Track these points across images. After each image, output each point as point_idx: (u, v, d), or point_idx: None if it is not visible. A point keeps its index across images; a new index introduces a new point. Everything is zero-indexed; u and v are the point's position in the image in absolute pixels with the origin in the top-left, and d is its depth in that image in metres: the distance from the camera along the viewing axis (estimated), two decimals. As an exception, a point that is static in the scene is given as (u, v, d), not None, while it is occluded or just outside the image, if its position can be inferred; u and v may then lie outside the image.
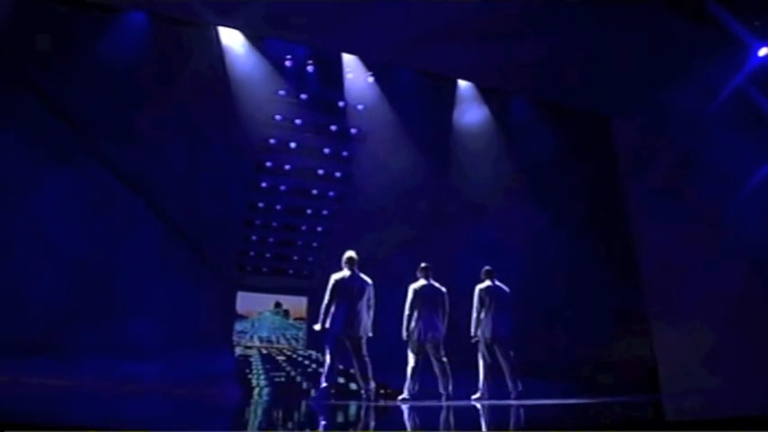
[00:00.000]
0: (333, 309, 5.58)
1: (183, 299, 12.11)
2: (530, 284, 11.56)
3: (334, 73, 10.82)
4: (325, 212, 13.05)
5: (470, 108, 11.15)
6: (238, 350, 12.47)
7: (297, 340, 13.70)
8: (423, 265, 6.39)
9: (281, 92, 10.85)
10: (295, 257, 13.58)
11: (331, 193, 12.72)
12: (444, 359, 5.97)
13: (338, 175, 12.41)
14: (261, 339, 13.41)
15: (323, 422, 4.97)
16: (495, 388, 6.34)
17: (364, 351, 5.60)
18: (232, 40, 9.82)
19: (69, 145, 10.05)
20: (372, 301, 5.80)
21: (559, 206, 11.27)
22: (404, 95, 11.00)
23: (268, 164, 11.90)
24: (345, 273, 5.84)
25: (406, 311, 6.02)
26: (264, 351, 12.65)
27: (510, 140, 11.26)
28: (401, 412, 5.47)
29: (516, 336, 11.15)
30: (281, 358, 11.95)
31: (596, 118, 10.49)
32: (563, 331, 10.71)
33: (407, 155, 11.77)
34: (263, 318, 13.60)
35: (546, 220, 11.48)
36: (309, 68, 10.67)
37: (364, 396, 5.56)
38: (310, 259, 13.60)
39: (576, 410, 5.97)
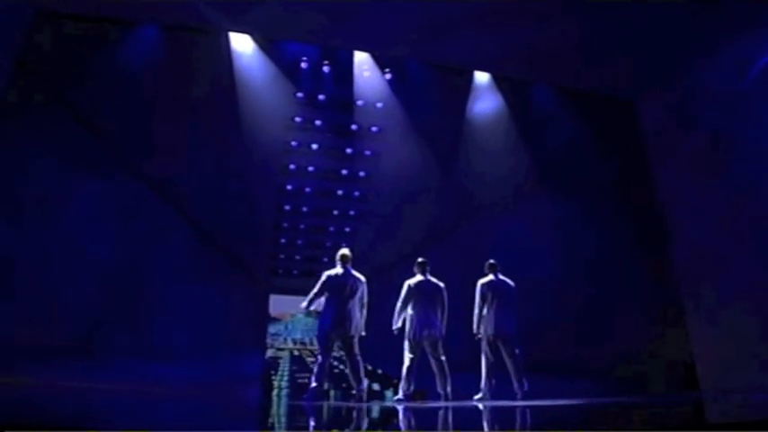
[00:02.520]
0: (323, 305, 5.54)
1: (216, 303, 12.34)
2: (559, 279, 11.15)
3: (351, 72, 10.81)
4: (351, 213, 13.00)
5: (490, 100, 10.88)
6: (270, 352, 12.60)
7: (330, 341, 13.68)
8: (420, 260, 6.22)
9: (299, 94, 10.90)
10: (325, 259, 13.53)
11: (356, 193, 12.66)
12: (443, 358, 5.76)
13: (362, 174, 12.33)
14: (294, 341, 13.50)
15: (312, 423, 4.89)
16: (502, 387, 6.08)
17: (356, 350, 5.49)
18: (245, 45, 9.97)
19: (99, 157, 10.42)
20: (366, 300, 5.69)
21: (588, 196, 10.81)
22: (422, 90, 10.85)
23: (291, 166, 11.97)
24: (338, 270, 5.78)
25: (398, 306, 5.89)
26: (296, 353, 12.74)
27: (533, 131, 10.90)
28: (395, 413, 5.32)
29: (539, 332, 10.79)
30: (310, 359, 11.99)
31: (621, 103, 9.98)
32: (594, 327, 10.22)
33: (430, 150, 11.60)
34: (297, 320, 13.69)
35: (575, 212, 11.03)
36: (325, 69, 10.68)
37: (356, 396, 5.45)
38: (340, 260, 13.58)
39: (606, 411, 5.65)
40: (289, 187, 12.30)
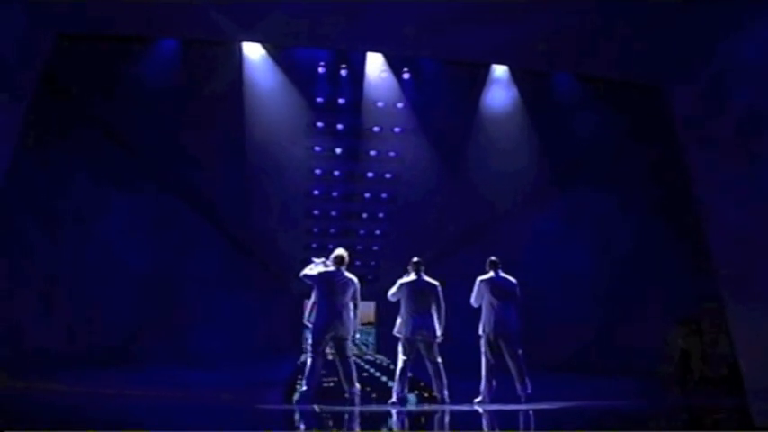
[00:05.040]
0: (316, 302, 5.54)
1: (251, 310, 12.59)
2: (595, 275, 10.70)
3: (370, 74, 10.77)
4: (380, 215, 12.95)
5: (511, 93, 10.55)
6: (303, 357, 12.67)
7: (367, 345, 13.69)
8: (414, 259, 6.06)
9: (319, 99, 10.96)
10: (357, 263, 13.53)
11: (384, 195, 12.59)
12: (439, 360, 5.58)
13: (388, 176, 12.27)
14: (331, 346, 13.52)
15: (302, 427, 4.86)
16: (510, 390, 5.81)
17: (348, 352, 5.42)
18: (262, 54, 10.11)
19: (131, 172, 10.85)
20: (359, 301, 5.61)
21: (622, 189, 10.32)
22: (442, 88, 10.68)
23: (317, 171, 12.04)
24: (331, 268, 5.75)
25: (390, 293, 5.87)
26: (330, 357, 12.74)
27: (559, 123, 10.48)
28: (389, 417, 5.21)
29: (574, 331, 10.32)
30: (342, 363, 11.97)
31: (650, 88, 9.42)
32: (632, 324, 9.70)
33: (455, 148, 11.42)
34: (332, 324, 13.73)
35: (610, 206, 10.55)
36: (343, 72, 10.69)
37: (349, 399, 5.37)
38: (372, 263, 13.56)
39: (646, 413, 5.39)
40: (316, 192, 12.39)
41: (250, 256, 12.70)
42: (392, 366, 11.32)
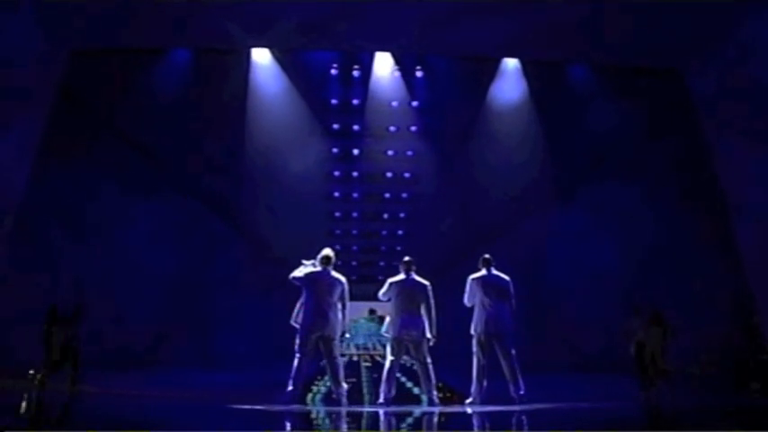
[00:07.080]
0: (303, 302, 5.52)
1: (275, 312, 12.64)
2: (621, 272, 10.27)
3: (382, 74, 10.74)
4: (402, 215, 12.83)
5: (525, 86, 10.30)
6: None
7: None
8: (405, 258, 6.00)
9: (334, 101, 11.00)
10: (381, 263, 13.48)
11: (404, 195, 12.49)
12: (428, 360, 5.46)
13: (407, 176, 12.17)
14: (357, 347, 13.50)
15: (288, 426, 4.86)
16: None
17: (335, 353, 5.37)
18: (272, 59, 10.23)
19: (154, 179, 11.17)
20: (347, 301, 5.56)
21: (647, 180, 9.89)
22: (456, 85, 10.62)
23: (336, 173, 12.07)
24: (318, 269, 5.73)
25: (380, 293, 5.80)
26: (355, 358, 12.73)
27: (577, 115, 10.16)
28: (377, 418, 5.13)
29: (598, 330, 9.90)
30: (366, 364, 11.93)
31: (669, 75, 9.00)
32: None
33: (472, 145, 11.23)
34: (359, 325, 13.67)
35: (635, 199, 10.12)
36: (355, 73, 10.71)
37: (335, 399, 5.31)
38: (396, 264, 13.44)
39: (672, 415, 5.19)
40: (336, 194, 12.41)
41: (273, 260, 12.80)
42: (412, 367, 11.22)
